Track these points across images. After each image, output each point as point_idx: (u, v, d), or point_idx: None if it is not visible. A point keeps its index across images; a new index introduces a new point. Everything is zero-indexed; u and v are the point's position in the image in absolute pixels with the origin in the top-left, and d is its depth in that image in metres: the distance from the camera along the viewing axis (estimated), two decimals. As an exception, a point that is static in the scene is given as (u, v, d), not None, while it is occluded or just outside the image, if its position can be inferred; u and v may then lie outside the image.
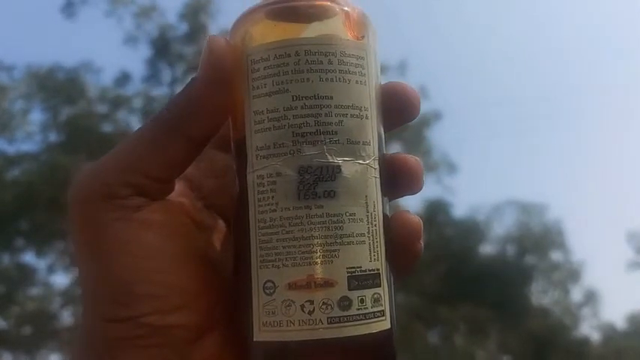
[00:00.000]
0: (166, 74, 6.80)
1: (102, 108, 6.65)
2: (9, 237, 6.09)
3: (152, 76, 6.77)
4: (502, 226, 9.08)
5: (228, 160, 0.30)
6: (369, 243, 0.26)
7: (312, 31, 0.27)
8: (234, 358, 0.28)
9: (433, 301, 6.54)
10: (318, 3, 0.28)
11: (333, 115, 0.26)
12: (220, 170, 0.31)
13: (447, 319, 7.33)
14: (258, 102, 0.27)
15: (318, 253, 0.25)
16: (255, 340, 0.26)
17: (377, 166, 0.27)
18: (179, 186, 0.30)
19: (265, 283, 0.26)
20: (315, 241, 0.25)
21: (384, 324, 0.26)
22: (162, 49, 6.82)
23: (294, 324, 0.25)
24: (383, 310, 0.26)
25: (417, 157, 0.30)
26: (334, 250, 0.26)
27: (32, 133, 6.49)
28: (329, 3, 0.28)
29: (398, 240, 0.29)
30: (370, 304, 0.26)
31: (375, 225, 0.27)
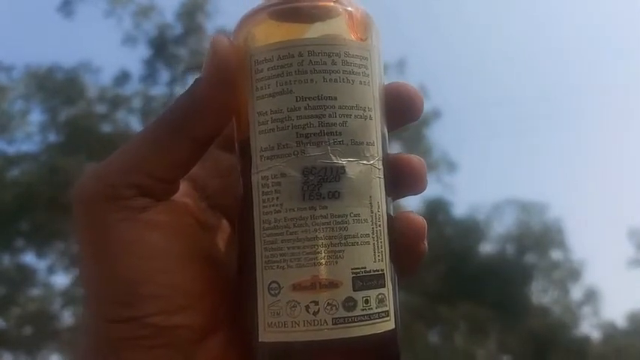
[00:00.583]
0: (165, 74, 6.81)
1: (101, 108, 6.65)
2: (9, 237, 6.09)
3: (151, 76, 6.77)
4: (502, 225, 9.08)
5: (232, 160, 0.30)
6: (374, 244, 0.26)
7: (315, 31, 0.27)
8: (237, 358, 0.28)
9: (433, 301, 6.54)
10: (321, 3, 0.28)
11: (337, 116, 0.26)
12: (225, 170, 0.31)
13: (447, 318, 7.33)
14: (261, 103, 0.27)
15: (323, 254, 0.26)
16: (260, 340, 0.26)
17: (381, 167, 0.27)
18: (183, 186, 0.30)
19: (270, 284, 0.26)
20: (320, 242, 0.26)
21: (389, 324, 0.27)
22: (160, 48, 6.82)
23: (299, 325, 0.25)
24: (387, 311, 0.26)
25: (420, 158, 0.30)
26: (339, 251, 0.26)
27: (31, 133, 6.49)
28: (332, 3, 0.28)
29: (402, 240, 0.29)
30: (375, 305, 0.26)
31: (380, 225, 0.27)
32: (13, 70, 6.51)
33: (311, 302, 0.25)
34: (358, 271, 0.26)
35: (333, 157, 0.26)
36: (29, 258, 6.34)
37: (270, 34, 0.28)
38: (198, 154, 0.29)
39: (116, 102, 6.59)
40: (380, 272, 0.27)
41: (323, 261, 0.26)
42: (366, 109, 0.27)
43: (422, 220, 0.30)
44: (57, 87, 6.49)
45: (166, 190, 0.29)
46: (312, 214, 0.26)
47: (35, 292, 6.34)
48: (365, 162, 0.27)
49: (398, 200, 0.31)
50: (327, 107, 0.26)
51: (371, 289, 0.26)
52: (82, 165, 5.98)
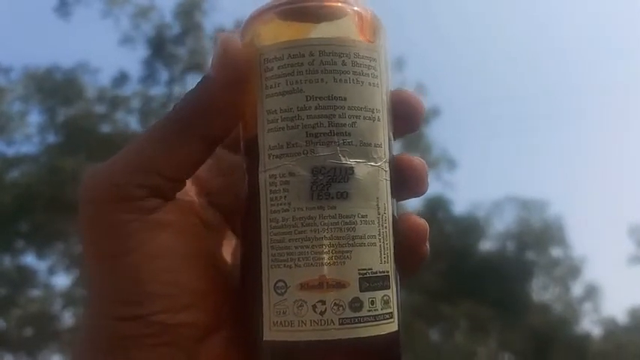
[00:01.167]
0: (164, 74, 6.81)
1: (100, 108, 6.65)
2: (9, 239, 6.08)
3: (149, 76, 6.77)
4: (502, 223, 9.09)
5: (234, 159, 0.30)
6: (380, 245, 0.27)
7: (325, 31, 0.27)
8: (239, 357, 0.28)
9: (434, 299, 6.54)
10: (330, 4, 0.28)
11: (347, 117, 0.26)
12: (226, 169, 0.31)
13: (447, 316, 7.33)
14: (271, 101, 0.27)
15: (331, 254, 0.26)
16: (265, 339, 0.26)
17: (387, 169, 0.28)
18: (187, 184, 0.30)
19: (277, 282, 0.26)
20: (328, 242, 0.26)
21: (393, 326, 0.27)
22: (158, 48, 6.82)
23: (305, 324, 0.25)
24: (391, 312, 0.26)
25: (421, 159, 0.30)
26: (346, 252, 0.26)
27: (30, 134, 6.49)
28: (341, 4, 0.28)
29: (404, 242, 0.29)
30: (380, 306, 0.26)
31: (386, 227, 0.27)
32: (12, 72, 6.52)
33: (318, 302, 0.25)
34: (365, 272, 0.26)
35: (342, 158, 0.26)
36: (29, 259, 6.35)
37: (279, 33, 0.28)
38: (207, 153, 0.29)
39: (115, 102, 6.60)
40: (385, 274, 0.27)
41: (331, 261, 0.25)
42: (375, 111, 0.27)
43: (424, 223, 0.30)
44: (55, 88, 6.49)
45: (174, 189, 0.28)
46: (321, 214, 0.26)
47: (36, 293, 6.35)
48: (373, 163, 0.27)
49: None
50: (337, 107, 0.26)
51: (377, 290, 0.26)
52: (81, 166, 5.98)
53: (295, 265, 0.25)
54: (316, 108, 0.26)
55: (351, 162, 0.26)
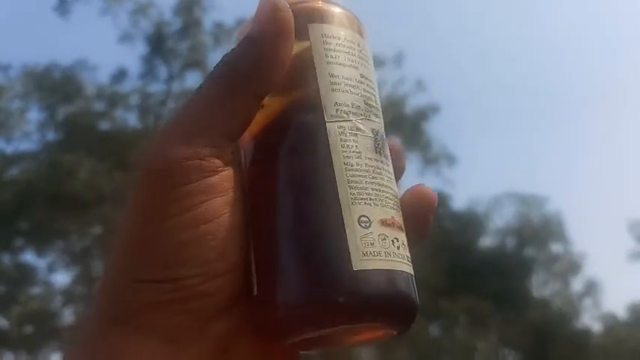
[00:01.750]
0: (163, 70, 6.80)
1: (99, 106, 6.64)
2: (9, 236, 6.09)
3: (148, 72, 6.77)
4: (502, 218, 9.10)
5: None
6: None
7: (359, 30, 0.32)
8: (250, 332, 0.28)
9: (434, 295, 6.55)
10: (351, 15, 0.33)
11: (378, 98, 0.32)
12: None
13: (447, 312, 7.35)
14: (333, 67, 0.30)
15: (393, 202, 0.29)
16: (355, 269, 0.27)
17: None
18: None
19: (360, 217, 0.28)
20: (391, 191, 0.29)
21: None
22: (158, 45, 6.81)
23: (389, 255, 0.28)
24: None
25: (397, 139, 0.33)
26: (399, 203, 0.30)
27: (30, 132, 6.49)
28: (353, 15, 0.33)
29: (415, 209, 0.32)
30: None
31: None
32: (11, 69, 6.52)
33: (394, 238, 0.28)
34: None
35: (382, 129, 0.31)
36: (29, 256, 6.36)
37: (333, 18, 0.31)
38: (258, 108, 0.29)
39: (114, 99, 6.59)
40: None
41: (395, 207, 0.29)
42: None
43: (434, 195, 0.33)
44: (54, 85, 6.49)
45: (230, 149, 0.28)
46: (384, 167, 0.29)
47: (35, 290, 6.36)
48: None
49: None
50: (374, 89, 0.31)
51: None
52: (80, 162, 5.98)
53: (374, 204, 0.28)
54: (367, 85, 0.31)
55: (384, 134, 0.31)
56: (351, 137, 0.29)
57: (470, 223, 8.39)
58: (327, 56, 0.30)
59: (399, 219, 0.29)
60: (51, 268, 6.30)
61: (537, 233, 8.92)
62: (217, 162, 0.28)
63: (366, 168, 0.28)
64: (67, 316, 6.20)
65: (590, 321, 9.13)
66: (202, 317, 0.27)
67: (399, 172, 0.32)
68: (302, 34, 0.30)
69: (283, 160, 0.29)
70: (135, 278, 0.27)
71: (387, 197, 0.29)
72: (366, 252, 0.27)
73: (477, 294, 7.67)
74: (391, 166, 0.30)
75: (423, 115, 7.39)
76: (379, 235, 0.27)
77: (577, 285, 9.01)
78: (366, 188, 0.28)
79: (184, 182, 0.27)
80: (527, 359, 8.84)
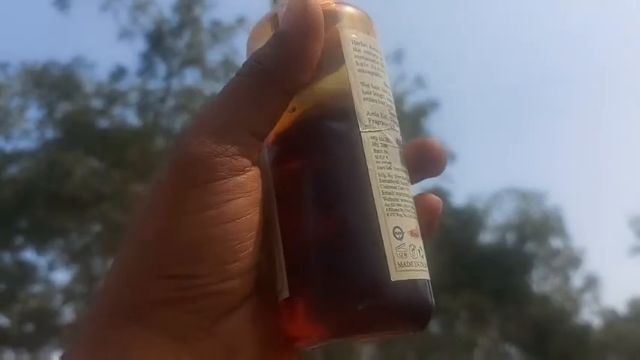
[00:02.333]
0: (162, 67, 6.79)
1: (98, 103, 6.63)
2: (9, 235, 6.09)
3: (147, 70, 6.75)
4: (502, 214, 9.11)
5: None
6: None
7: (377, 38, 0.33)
8: (261, 328, 0.28)
9: (434, 290, 6.54)
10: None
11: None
12: None
13: (448, 307, 7.35)
14: (363, 75, 0.30)
15: (414, 211, 0.30)
16: (392, 280, 0.28)
17: None
18: None
19: (394, 228, 0.28)
20: (412, 200, 0.30)
21: None
22: (157, 42, 6.80)
23: (418, 265, 0.29)
24: None
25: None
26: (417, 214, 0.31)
27: (29, 130, 6.48)
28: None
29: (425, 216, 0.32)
30: None
31: None
32: (9, 67, 6.51)
33: (419, 247, 0.29)
34: None
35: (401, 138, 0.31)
36: (29, 255, 6.36)
37: (360, 25, 0.31)
38: (286, 105, 0.29)
39: (112, 97, 6.58)
40: None
41: (416, 216, 0.30)
42: None
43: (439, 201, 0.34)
44: (53, 83, 6.48)
45: (258, 147, 0.28)
46: (407, 177, 0.30)
47: (36, 288, 6.36)
48: None
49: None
50: (392, 97, 0.32)
51: None
52: (80, 160, 5.98)
53: (404, 214, 0.29)
54: (389, 93, 0.31)
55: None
56: (382, 148, 0.29)
57: (470, 219, 8.39)
58: (358, 64, 0.30)
59: (418, 227, 0.30)
60: (51, 267, 6.30)
61: (537, 229, 8.93)
62: (245, 161, 0.27)
63: (396, 179, 0.29)
64: (68, 314, 6.21)
65: (590, 316, 9.15)
66: (211, 317, 0.27)
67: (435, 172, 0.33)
68: (331, 37, 0.30)
69: (319, 166, 0.29)
70: (153, 273, 0.26)
71: (412, 207, 0.30)
72: (401, 263, 0.28)
73: (478, 290, 7.67)
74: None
75: (422, 111, 7.38)
76: (410, 246, 0.28)
77: (577, 280, 9.03)
78: (397, 199, 0.29)
79: (211, 179, 0.27)
80: (528, 354, 8.86)
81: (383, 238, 0.28)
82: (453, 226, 7.69)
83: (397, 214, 0.29)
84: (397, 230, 0.28)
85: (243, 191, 0.27)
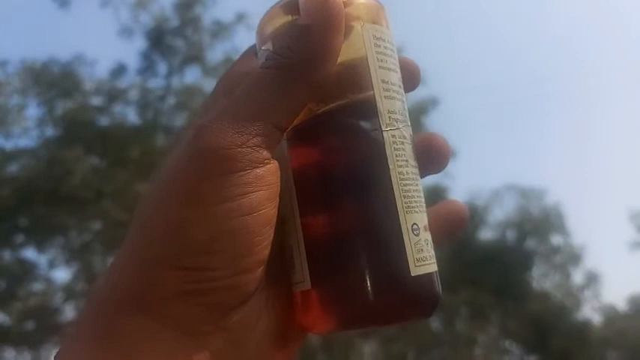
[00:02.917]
0: (162, 66, 6.78)
1: (98, 101, 6.62)
2: (9, 233, 6.08)
3: (148, 68, 6.74)
4: (502, 211, 9.10)
5: None
6: None
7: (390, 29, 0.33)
8: (267, 324, 0.28)
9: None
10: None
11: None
12: None
13: (448, 304, 7.35)
14: (383, 72, 0.30)
15: (424, 206, 0.31)
16: (412, 275, 0.29)
17: None
18: None
19: (412, 225, 0.30)
20: (423, 195, 0.31)
21: None
22: (157, 40, 6.79)
23: (431, 259, 0.30)
24: None
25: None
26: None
27: (28, 128, 6.47)
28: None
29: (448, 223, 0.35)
30: None
31: None
32: (9, 65, 6.50)
33: (430, 241, 0.30)
34: None
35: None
36: (29, 253, 6.35)
37: (378, 19, 0.31)
38: (308, 99, 0.29)
39: (113, 95, 6.57)
40: None
41: (425, 212, 0.31)
42: None
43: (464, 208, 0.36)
44: (53, 81, 6.47)
45: (279, 139, 0.28)
46: (418, 173, 0.31)
47: (36, 286, 6.35)
48: None
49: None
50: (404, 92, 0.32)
51: None
52: (80, 159, 5.97)
53: (419, 211, 0.30)
54: (402, 89, 0.32)
55: None
56: (401, 146, 0.30)
57: (470, 216, 8.38)
58: (379, 60, 0.30)
59: (428, 223, 0.31)
60: (51, 264, 6.29)
61: (537, 226, 8.92)
62: (266, 153, 0.27)
63: (412, 176, 0.30)
64: (69, 312, 6.21)
65: (590, 313, 9.14)
66: (221, 310, 0.26)
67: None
68: (353, 33, 0.30)
69: (344, 162, 0.30)
70: (166, 264, 0.26)
71: (423, 202, 0.31)
72: (419, 258, 0.29)
73: (478, 287, 7.67)
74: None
75: (423, 108, 7.38)
76: (425, 241, 0.30)
77: (577, 277, 9.02)
78: (413, 196, 0.30)
79: (231, 170, 0.26)
80: (528, 351, 8.86)
81: (403, 234, 0.29)
82: (453, 223, 7.67)
83: (414, 211, 0.30)
84: (415, 227, 0.30)
85: (263, 184, 0.27)
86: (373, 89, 0.30)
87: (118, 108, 6.62)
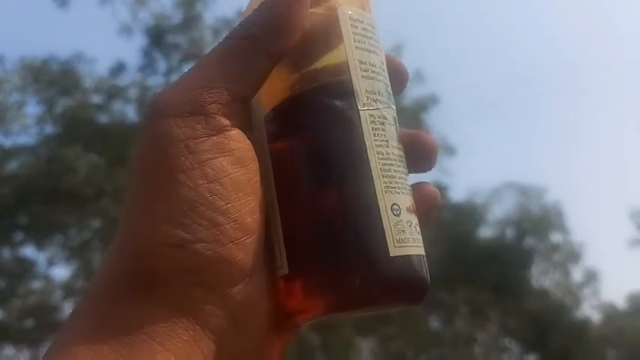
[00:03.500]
0: (162, 64, 6.77)
1: (97, 98, 6.61)
2: (8, 230, 6.08)
3: (148, 66, 6.73)
4: (501, 209, 9.10)
5: None
6: None
7: (372, 12, 0.32)
8: (267, 305, 0.28)
9: (433, 286, 6.53)
10: None
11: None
12: None
13: (447, 302, 7.35)
14: (361, 53, 0.30)
15: (410, 187, 0.30)
16: (391, 255, 0.28)
17: None
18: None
19: (392, 205, 0.29)
20: (408, 177, 0.31)
21: None
22: (157, 38, 6.78)
23: (415, 241, 0.29)
24: None
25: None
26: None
27: (28, 125, 6.47)
28: None
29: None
30: None
31: None
32: (8, 62, 6.50)
33: (415, 224, 0.30)
34: None
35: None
36: (29, 250, 6.36)
37: (355, 3, 0.31)
38: (270, 70, 0.29)
39: (112, 92, 6.57)
40: None
41: (411, 193, 0.30)
42: None
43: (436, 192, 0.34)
44: (53, 78, 6.46)
45: (239, 110, 0.28)
46: (403, 156, 0.31)
47: (35, 284, 6.35)
48: None
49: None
50: (388, 76, 0.32)
51: None
52: (80, 156, 5.97)
53: (401, 192, 0.29)
54: (384, 72, 0.31)
55: None
56: (380, 126, 0.30)
57: (469, 214, 8.39)
58: (355, 41, 0.30)
59: (414, 204, 0.30)
60: (51, 262, 6.30)
61: (537, 224, 8.92)
62: (224, 121, 0.27)
63: (393, 157, 0.30)
64: (68, 309, 6.21)
65: (589, 311, 9.14)
66: (220, 290, 0.26)
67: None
68: (329, 14, 0.30)
69: (318, 142, 0.29)
70: (149, 239, 0.26)
71: (407, 184, 0.30)
72: (399, 239, 0.29)
73: (477, 285, 7.67)
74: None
75: (422, 106, 7.37)
76: (407, 222, 0.29)
77: (577, 275, 9.02)
78: (394, 177, 0.29)
79: (187, 137, 0.26)
80: (527, 349, 8.86)
81: (382, 214, 0.28)
82: (452, 221, 7.69)
83: (395, 191, 0.29)
84: (395, 207, 0.29)
85: (222, 151, 0.27)
86: (349, 69, 0.30)
87: (117, 106, 6.62)
